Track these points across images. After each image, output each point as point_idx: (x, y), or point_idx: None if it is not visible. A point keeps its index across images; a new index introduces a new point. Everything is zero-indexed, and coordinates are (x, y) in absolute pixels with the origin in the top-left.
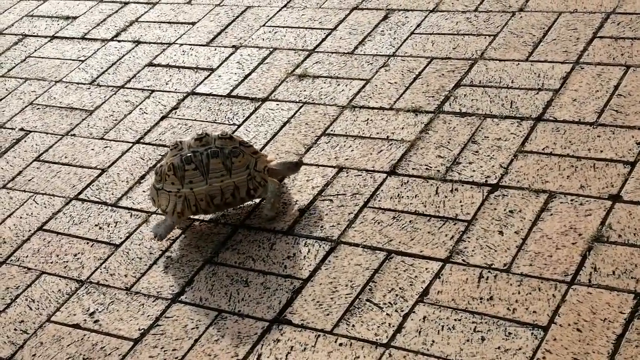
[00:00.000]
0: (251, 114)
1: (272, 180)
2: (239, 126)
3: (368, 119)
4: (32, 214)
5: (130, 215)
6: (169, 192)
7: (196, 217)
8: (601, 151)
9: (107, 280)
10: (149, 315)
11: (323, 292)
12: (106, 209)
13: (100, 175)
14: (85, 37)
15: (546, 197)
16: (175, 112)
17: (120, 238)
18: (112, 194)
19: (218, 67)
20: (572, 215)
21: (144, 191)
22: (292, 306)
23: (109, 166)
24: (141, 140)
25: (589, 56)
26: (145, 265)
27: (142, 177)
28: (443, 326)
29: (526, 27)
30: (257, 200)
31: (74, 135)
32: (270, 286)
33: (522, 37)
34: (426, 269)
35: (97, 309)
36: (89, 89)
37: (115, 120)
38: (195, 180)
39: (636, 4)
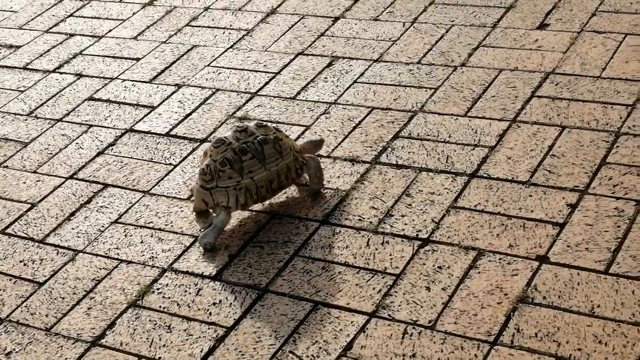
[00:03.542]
0: (189, 154)
1: (312, 157)
2: (175, 166)
3: None
4: None
5: (57, 253)
6: (226, 188)
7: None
8: (532, 211)
9: (27, 320)
10: (66, 358)
11: (246, 341)
12: (33, 245)
13: (29, 209)
14: (27, 67)
15: (475, 255)
16: (112, 148)
17: (45, 276)
18: (40, 229)
19: (159, 105)
20: (499, 274)
21: (72, 228)
22: (213, 355)
23: (39, 201)
24: (74, 176)
25: (526, 115)
26: (68, 305)
27: (72, 214)
28: None
29: (467, 83)
30: (188, 244)
31: (6, 167)
32: (193, 333)
33: (462, 92)
34: (352, 322)
35: (14, 349)
36: (26, 120)
37: (50, 153)
38: (255, 168)
39: (575, 65)
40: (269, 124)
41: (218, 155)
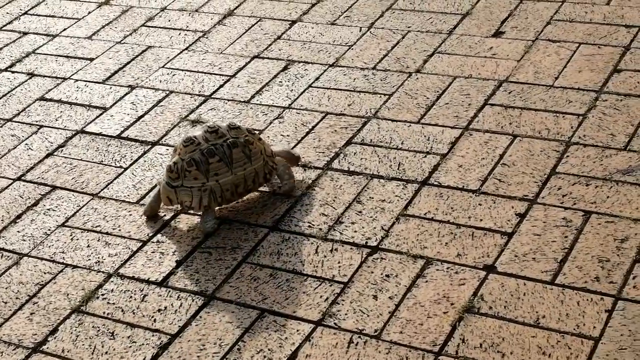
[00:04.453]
0: (139, 157)
1: (279, 160)
2: (125, 169)
3: None
4: None
5: (1, 256)
6: (190, 188)
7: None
8: (481, 220)
9: None
10: None
11: (190, 349)
12: None
13: None
14: None
15: (423, 263)
16: (62, 150)
17: None
18: None
19: (111, 106)
20: (446, 284)
21: (18, 231)
22: None
23: None
24: (22, 178)
25: (478, 123)
26: (10, 310)
27: (19, 216)
28: None
29: (421, 89)
30: (135, 248)
31: None
32: (137, 340)
33: (416, 98)
34: (297, 330)
35: None
36: None
37: None
38: (221, 172)
39: (528, 73)
40: (242, 126)
41: (186, 154)
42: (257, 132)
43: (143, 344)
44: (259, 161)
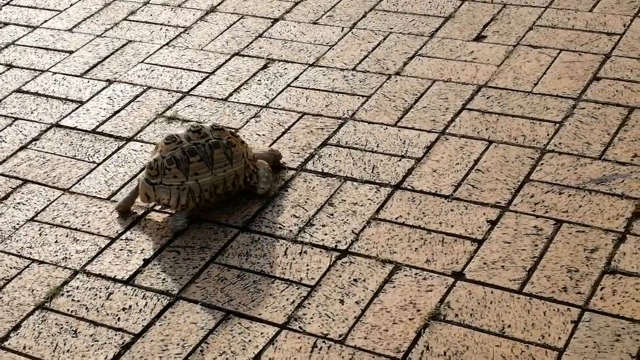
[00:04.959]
0: (113, 153)
1: (261, 163)
2: (98, 165)
3: None
4: None
5: None
6: (169, 186)
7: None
8: (452, 226)
9: None
10: None
11: (153, 349)
12: None
13: None
14: None
15: (392, 268)
16: (36, 143)
17: None
18: None
19: (88, 100)
20: (413, 290)
21: None
22: None
23: None
24: None
25: (455, 127)
26: None
27: None
28: None
29: (399, 92)
30: (104, 245)
31: None
32: (99, 339)
33: (394, 101)
34: (262, 333)
35: None
36: None
37: None
38: (201, 171)
39: (508, 79)
40: (225, 127)
41: (167, 152)
42: (234, 130)
43: (105, 343)
44: (240, 164)
